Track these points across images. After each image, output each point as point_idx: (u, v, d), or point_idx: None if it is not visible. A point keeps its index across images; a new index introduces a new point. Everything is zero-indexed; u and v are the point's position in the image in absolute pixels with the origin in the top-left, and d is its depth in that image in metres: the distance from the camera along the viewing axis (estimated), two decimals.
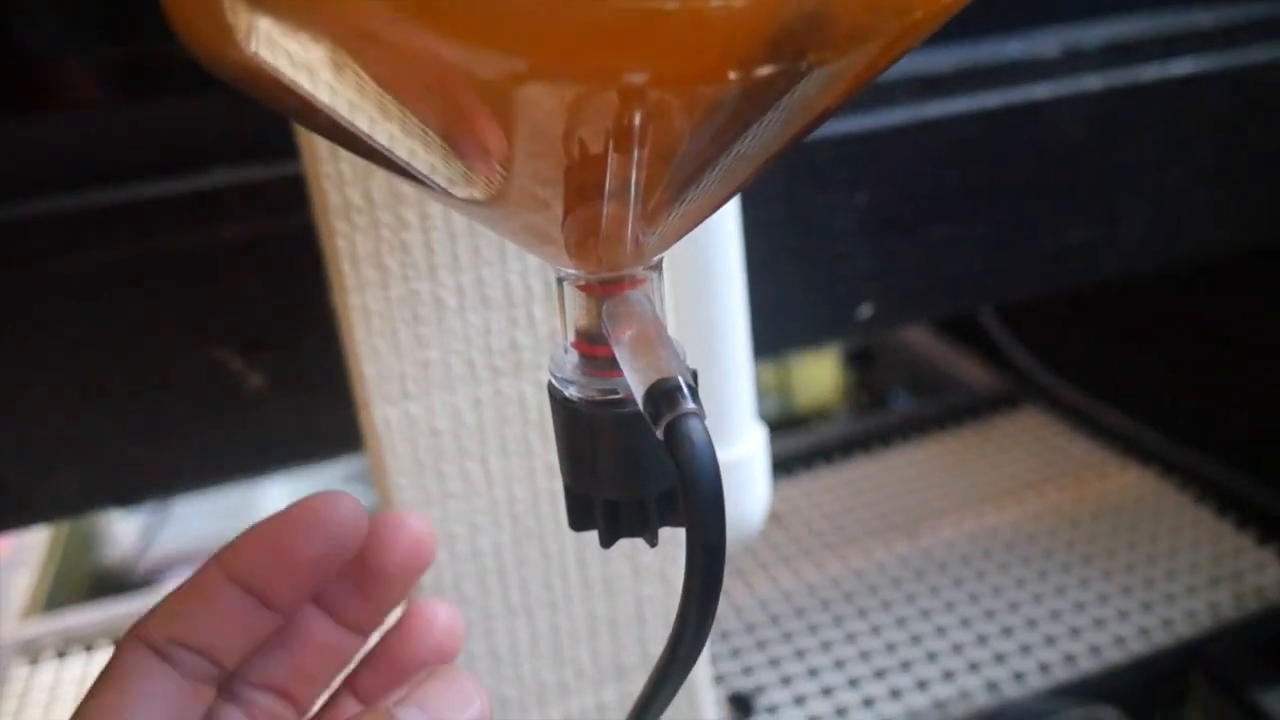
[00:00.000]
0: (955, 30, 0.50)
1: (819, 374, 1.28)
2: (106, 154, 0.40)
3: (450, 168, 0.17)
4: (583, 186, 0.17)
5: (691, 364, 0.37)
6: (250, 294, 0.40)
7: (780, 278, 0.47)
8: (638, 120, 0.15)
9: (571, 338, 0.20)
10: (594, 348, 0.20)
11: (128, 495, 0.43)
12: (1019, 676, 0.65)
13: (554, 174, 0.17)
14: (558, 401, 0.21)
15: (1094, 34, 0.49)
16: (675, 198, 0.18)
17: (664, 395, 0.18)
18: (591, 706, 0.38)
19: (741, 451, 0.41)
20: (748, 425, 0.41)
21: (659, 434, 0.18)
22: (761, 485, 0.42)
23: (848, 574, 0.77)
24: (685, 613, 0.19)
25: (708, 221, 0.36)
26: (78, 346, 0.39)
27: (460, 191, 0.17)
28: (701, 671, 0.39)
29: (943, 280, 0.50)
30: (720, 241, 0.38)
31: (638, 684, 0.39)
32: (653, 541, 0.22)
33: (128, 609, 0.82)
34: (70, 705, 0.69)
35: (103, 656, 0.74)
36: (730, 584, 0.77)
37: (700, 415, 0.18)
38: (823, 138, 0.46)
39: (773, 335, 0.48)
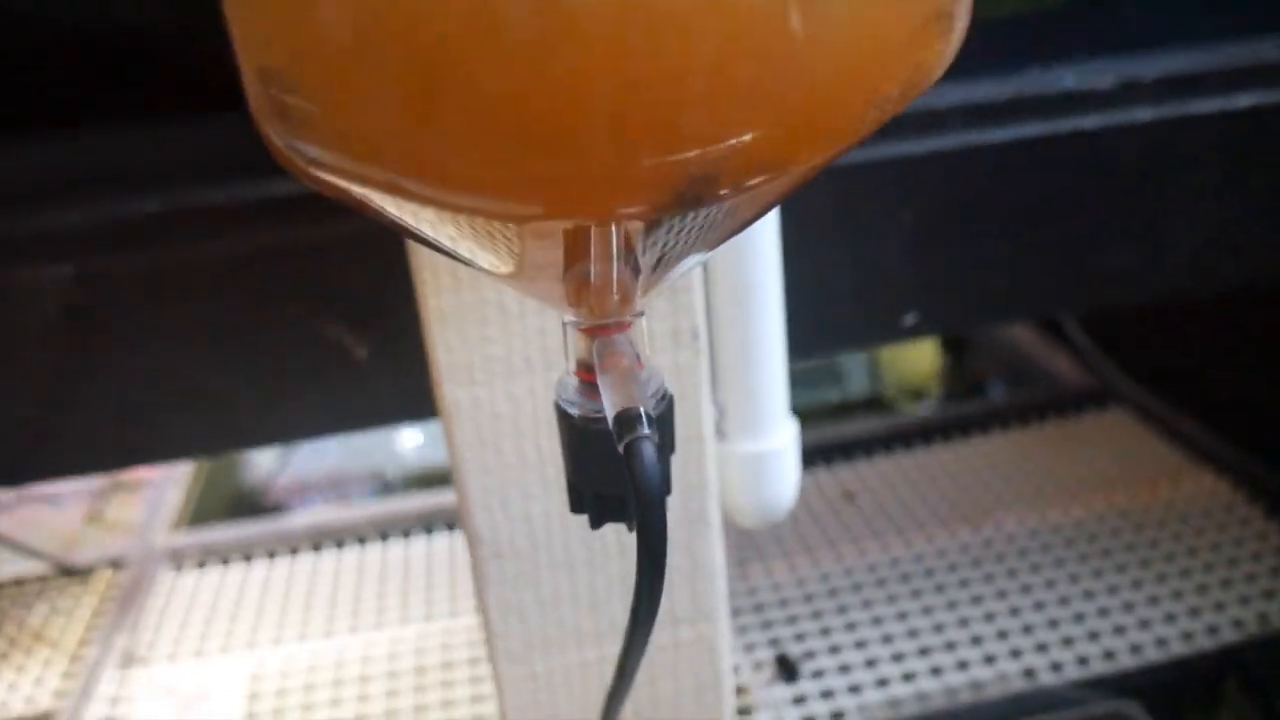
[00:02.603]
0: (1010, 61, 0.53)
1: (916, 357, 1.30)
2: (249, 154, 0.48)
3: (477, 255, 0.22)
4: (573, 265, 0.23)
5: (728, 363, 0.42)
6: (359, 280, 0.47)
7: (829, 285, 0.51)
8: (609, 232, 0.21)
9: (573, 367, 0.26)
10: (588, 376, 0.26)
11: (253, 440, 0.51)
12: (1056, 667, 0.69)
13: (552, 259, 0.22)
14: (561, 415, 0.26)
15: (1151, 66, 0.51)
16: (644, 269, 0.24)
17: (626, 421, 0.24)
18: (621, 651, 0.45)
19: (773, 444, 0.46)
20: (780, 420, 0.46)
21: (620, 450, 0.24)
22: (790, 475, 0.47)
23: (908, 556, 0.81)
24: (639, 584, 0.25)
25: (747, 234, 0.41)
26: (220, 317, 0.47)
27: (488, 267, 0.23)
28: (721, 636, 0.45)
29: (987, 293, 0.53)
30: (758, 252, 0.43)
31: (664, 636, 0.45)
32: (631, 527, 0.28)
33: (260, 529, 0.93)
34: (205, 611, 0.80)
35: (237, 570, 0.85)
36: (795, 558, 0.83)
37: (651, 439, 0.23)
38: (872, 160, 0.50)
39: (822, 337, 0.52)
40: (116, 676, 0.76)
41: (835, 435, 0.97)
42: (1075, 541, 0.80)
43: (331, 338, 0.48)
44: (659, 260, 0.24)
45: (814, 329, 0.52)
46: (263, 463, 1.15)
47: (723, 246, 0.42)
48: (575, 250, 0.23)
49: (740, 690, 0.70)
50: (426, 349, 0.38)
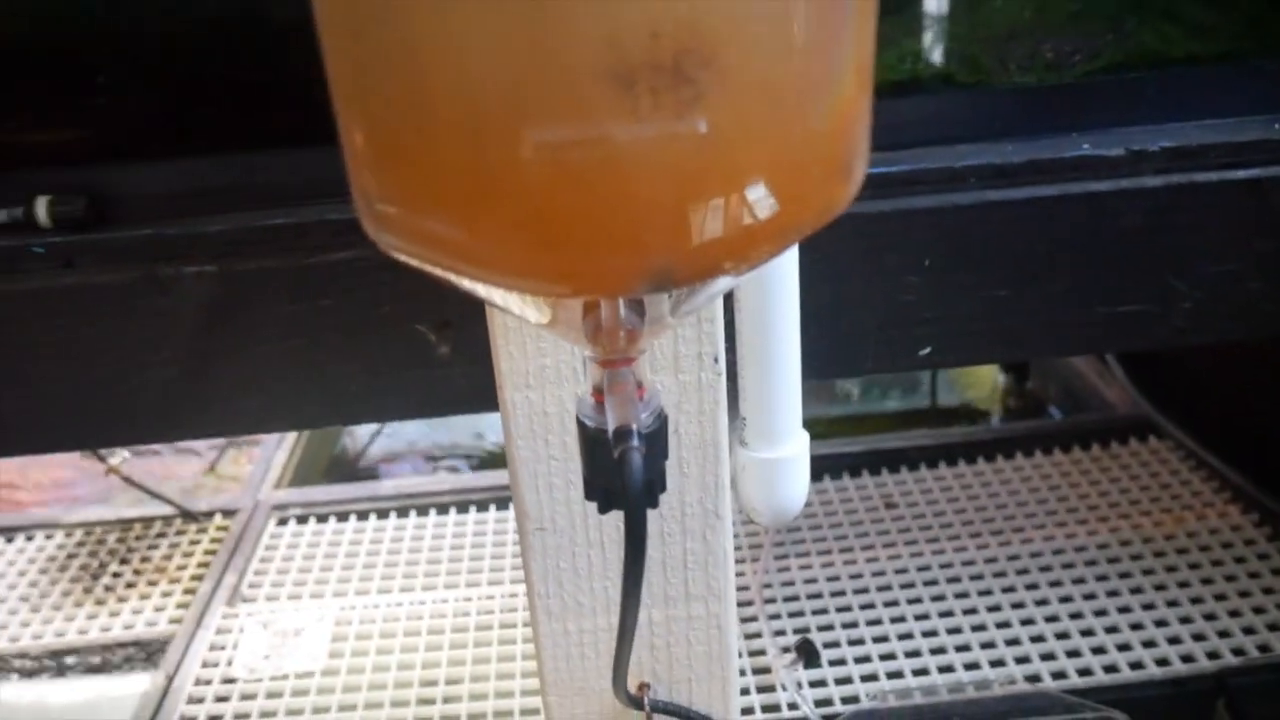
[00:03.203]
0: (1029, 129, 0.59)
1: (978, 375, 1.34)
2: None
3: (519, 310, 0.31)
4: (588, 318, 0.31)
5: (749, 386, 0.50)
6: (445, 292, 0.56)
7: (855, 316, 0.58)
8: (613, 301, 0.29)
9: (589, 389, 0.34)
10: (600, 397, 0.34)
11: (354, 418, 0.60)
12: (1060, 675, 0.74)
13: (574, 315, 0.30)
14: (579, 425, 0.35)
15: (1159, 139, 0.57)
16: (641, 321, 0.32)
17: (620, 434, 0.32)
18: (644, 621, 0.53)
19: (786, 453, 0.54)
20: (794, 432, 0.54)
21: (615, 457, 0.32)
22: (801, 481, 0.55)
23: (936, 563, 0.87)
24: (626, 558, 0.33)
25: (769, 277, 0.49)
26: (333, 314, 0.56)
27: (530, 318, 0.32)
28: (729, 614, 0.53)
29: (998, 333, 0.59)
30: (779, 291, 0.50)
31: (679, 610, 0.53)
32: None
33: (354, 491, 1.03)
34: (301, 560, 0.91)
35: (331, 526, 0.95)
36: (832, 556, 0.89)
37: (639, 450, 0.31)
38: (899, 210, 0.56)
39: (846, 361, 0.60)
40: (224, 610, 0.87)
41: (882, 445, 1.04)
42: (1097, 562, 0.85)
43: (421, 337, 0.57)
44: (659, 314, 0.32)
45: (839, 354, 0.59)
46: (359, 432, 1.27)
47: (748, 287, 0.50)
48: (590, 309, 0.31)
49: (765, 670, 0.77)
50: (492, 357, 0.47)
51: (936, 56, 0.60)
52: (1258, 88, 0.60)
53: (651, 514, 0.51)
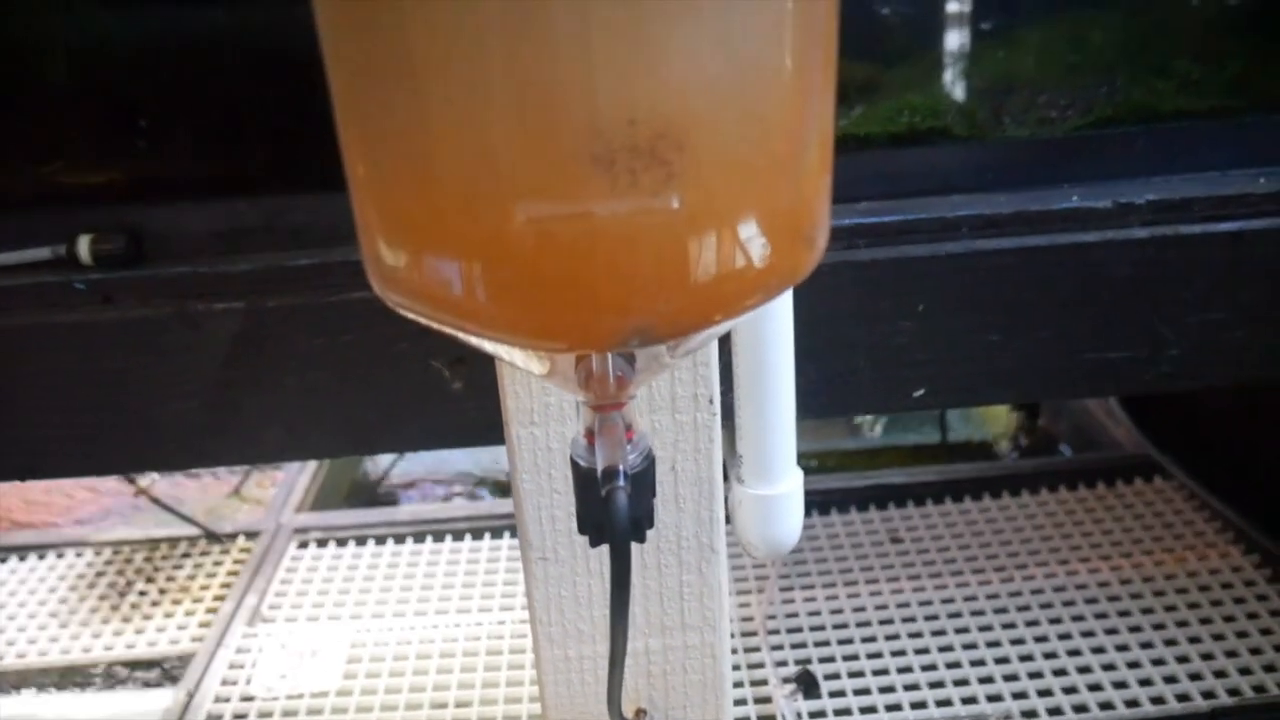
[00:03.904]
0: (1021, 180, 0.61)
1: (992, 412, 1.36)
2: None
3: (516, 361, 0.33)
4: (582, 365, 0.34)
5: (745, 425, 0.53)
6: None
7: (850, 358, 0.61)
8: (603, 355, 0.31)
9: (583, 431, 0.37)
10: (591, 439, 0.37)
11: (371, 448, 0.63)
12: (1056, 711, 0.76)
13: (568, 366, 0.33)
14: (573, 464, 0.37)
15: (1145, 192, 0.59)
16: (631, 369, 0.34)
17: (608, 474, 0.34)
18: (641, 649, 0.55)
19: (781, 489, 0.56)
20: (788, 469, 0.56)
21: (602, 495, 0.34)
22: (795, 516, 0.57)
23: (939, 598, 0.89)
24: (612, 589, 0.36)
25: (764, 324, 0.51)
26: (350, 349, 0.59)
27: (533, 369, 0.34)
28: (723, 643, 0.55)
29: (989, 376, 0.62)
30: (773, 338, 0.52)
31: (675, 639, 0.55)
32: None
33: (372, 516, 1.06)
34: (320, 583, 0.94)
35: (349, 550, 0.98)
36: (835, 589, 0.91)
37: (625, 490, 0.34)
38: (892, 258, 0.59)
39: (841, 401, 0.62)
40: (244, 630, 0.90)
41: (891, 481, 1.05)
42: (1097, 600, 0.86)
43: (435, 372, 0.60)
44: (655, 356, 0.35)
45: (834, 394, 0.62)
46: (380, 458, 1.30)
47: (744, 330, 0.52)
48: (582, 359, 0.34)
49: (766, 699, 0.79)
50: (500, 394, 0.50)
51: (933, 110, 0.63)
52: (1242, 142, 0.62)
53: (649, 546, 0.53)
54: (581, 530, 0.39)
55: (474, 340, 0.31)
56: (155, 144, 0.62)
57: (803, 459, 0.55)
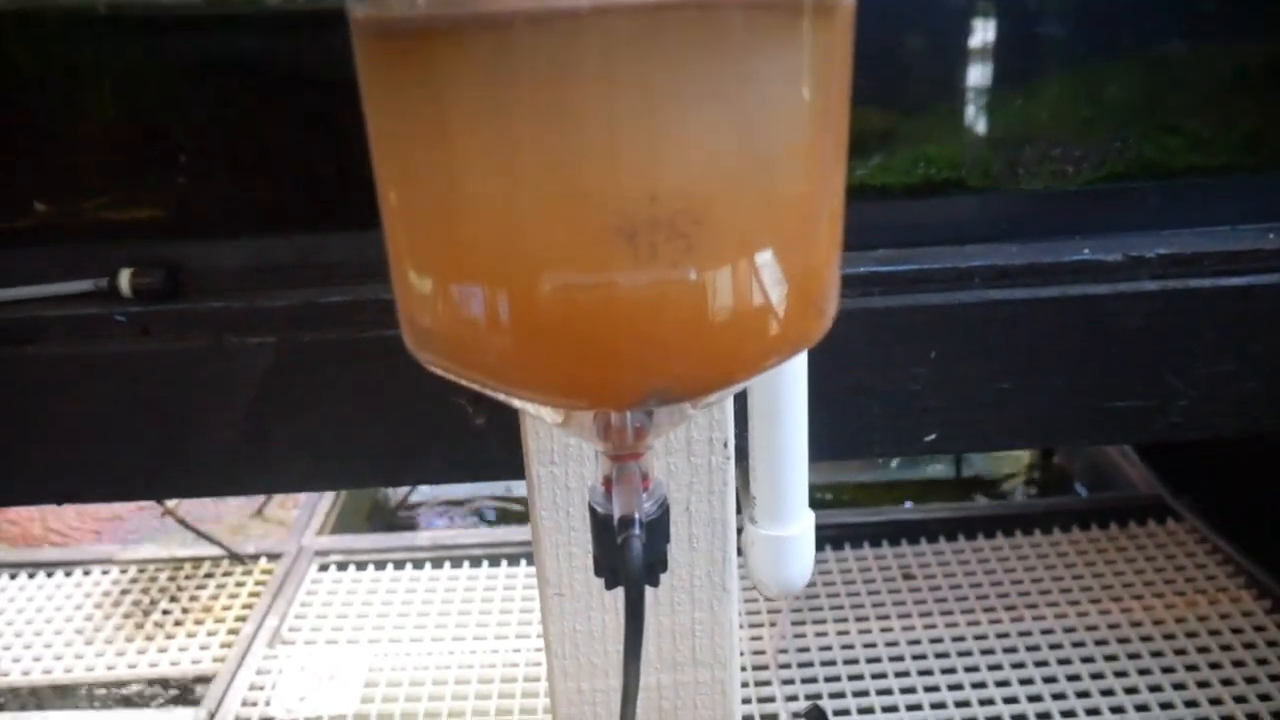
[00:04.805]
0: (1034, 231, 0.63)
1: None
2: None
3: (541, 413, 0.35)
4: (602, 416, 0.35)
5: (759, 467, 0.54)
6: None
7: (863, 402, 0.62)
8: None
9: (600, 479, 0.39)
10: (609, 487, 0.38)
11: (391, 479, 0.65)
12: None
13: (585, 418, 0.35)
14: (591, 511, 0.39)
15: (1156, 245, 0.60)
16: (649, 420, 0.36)
17: (624, 522, 0.36)
18: (653, 685, 0.56)
19: (793, 531, 0.57)
20: (800, 511, 0.57)
21: (618, 542, 0.36)
22: (806, 557, 0.58)
23: (949, 636, 0.90)
24: (626, 630, 0.37)
25: (780, 373, 0.53)
26: (380, 384, 0.61)
27: (546, 418, 0.36)
28: (733, 680, 0.56)
29: (1000, 422, 0.63)
30: (787, 385, 0.54)
31: (686, 675, 0.57)
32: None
33: (392, 541, 1.08)
34: (340, 606, 0.96)
35: (369, 574, 1.00)
36: (847, 625, 0.92)
37: (640, 539, 0.36)
38: (906, 306, 0.60)
39: (853, 445, 0.63)
40: (264, 652, 0.92)
41: (904, 517, 1.06)
42: (1107, 642, 0.87)
43: (459, 408, 0.62)
44: (666, 415, 0.37)
45: (847, 437, 0.63)
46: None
47: (761, 379, 0.54)
48: (602, 415, 0.35)
49: None
50: (521, 434, 0.52)
51: (950, 161, 0.64)
52: (1252, 198, 0.63)
53: (662, 584, 0.55)
54: (598, 573, 0.40)
55: (500, 396, 0.33)
56: (195, 181, 0.64)
57: (817, 491, 0.57)
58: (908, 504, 1.21)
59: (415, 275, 0.30)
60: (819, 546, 0.59)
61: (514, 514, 1.25)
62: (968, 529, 1.04)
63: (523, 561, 1.03)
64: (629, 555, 0.35)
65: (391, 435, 0.63)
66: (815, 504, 0.57)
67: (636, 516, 0.36)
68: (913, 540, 1.04)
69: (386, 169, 0.30)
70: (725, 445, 0.52)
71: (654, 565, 0.38)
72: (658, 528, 0.38)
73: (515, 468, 0.62)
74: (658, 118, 0.27)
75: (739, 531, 0.57)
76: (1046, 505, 1.10)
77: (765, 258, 0.29)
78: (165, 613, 0.99)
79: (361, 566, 1.04)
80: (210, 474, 0.64)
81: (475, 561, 1.04)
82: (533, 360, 0.30)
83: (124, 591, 1.02)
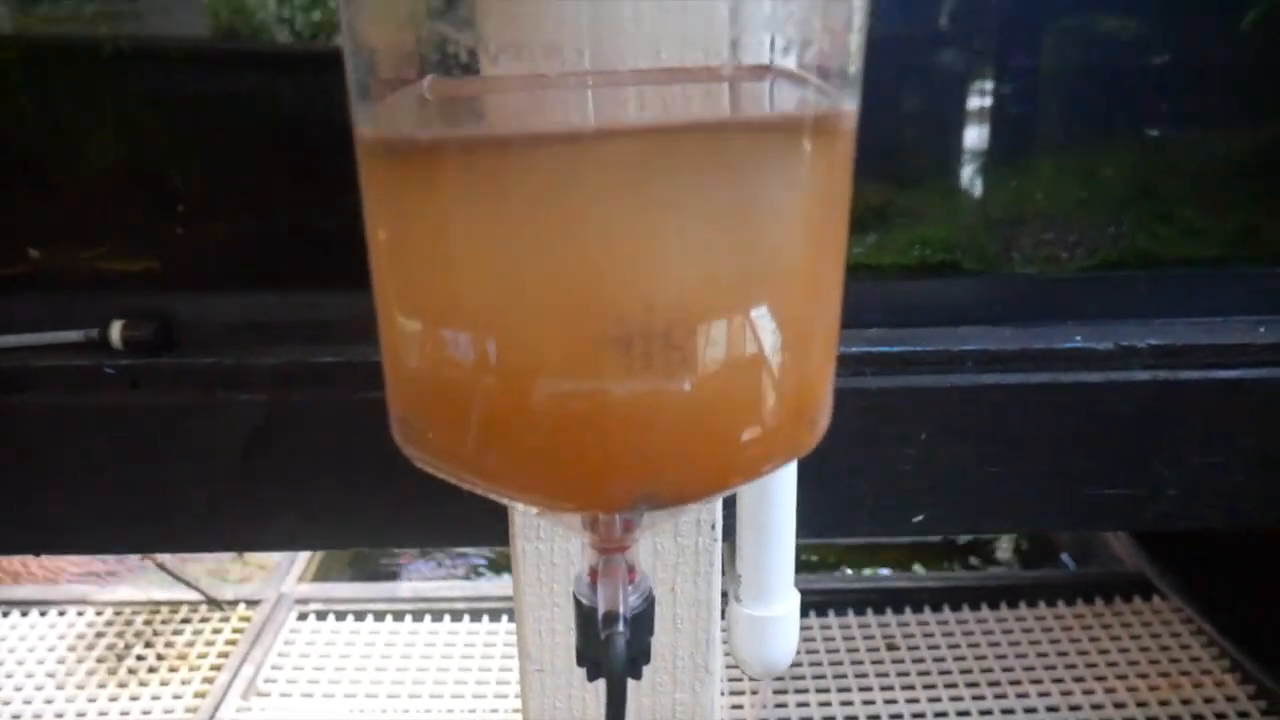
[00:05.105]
0: (1027, 315, 0.63)
1: None
2: None
3: (529, 508, 0.35)
4: (590, 516, 0.35)
5: (745, 547, 0.54)
6: None
7: (851, 482, 0.62)
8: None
9: (586, 570, 0.38)
10: (594, 579, 0.38)
11: (375, 542, 0.64)
12: None
13: (574, 517, 0.35)
14: (575, 601, 0.38)
15: (1147, 336, 0.60)
16: (637, 516, 0.36)
17: (608, 618, 0.35)
18: None
19: (777, 611, 0.57)
20: (786, 591, 0.57)
21: (601, 637, 0.35)
22: (790, 637, 0.58)
23: (930, 709, 0.89)
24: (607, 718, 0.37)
25: None
26: (365, 446, 0.61)
27: (536, 513, 0.36)
28: None
29: (988, 506, 0.63)
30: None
31: None
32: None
33: (373, 591, 1.07)
34: (318, 659, 0.94)
35: (349, 624, 0.99)
36: (828, 695, 0.91)
37: (624, 635, 0.35)
38: (897, 387, 0.60)
39: (841, 524, 0.63)
40: (238, 704, 0.91)
41: (889, 585, 1.06)
42: None
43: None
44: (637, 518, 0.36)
45: (835, 516, 0.63)
46: None
47: None
48: (590, 517, 0.35)
49: None
50: (507, 509, 0.51)
51: (945, 243, 0.65)
52: (1244, 290, 0.64)
53: (644, 666, 0.54)
54: (580, 663, 0.40)
55: (491, 496, 0.33)
56: (190, 235, 0.64)
57: (801, 553, 0.56)
58: (883, 571, 1.20)
59: (408, 376, 0.30)
60: (802, 613, 0.58)
61: (501, 564, 1.24)
62: (952, 599, 1.04)
63: (504, 617, 1.02)
64: (612, 652, 0.35)
65: (378, 499, 0.63)
66: (800, 566, 0.57)
67: (621, 612, 0.36)
68: (897, 609, 1.04)
69: (386, 274, 0.30)
70: (713, 527, 0.51)
71: (636, 659, 0.38)
72: (642, 621, 0.38)
73: (501, 534, 0.61)
74: (657, 233, 0.27)
75: (722, 611, 0.57)
76: (1032, 578, 1.09)
77: (759, 372, 0.29)
78: (139, 658, 0.97)
79: (341, 617, 1.03)
80: (192, 530, 0.63)
81: (456, 615, 1.03)
82: (523, 464, 0.29)
83: (99, 634, 1.00)
